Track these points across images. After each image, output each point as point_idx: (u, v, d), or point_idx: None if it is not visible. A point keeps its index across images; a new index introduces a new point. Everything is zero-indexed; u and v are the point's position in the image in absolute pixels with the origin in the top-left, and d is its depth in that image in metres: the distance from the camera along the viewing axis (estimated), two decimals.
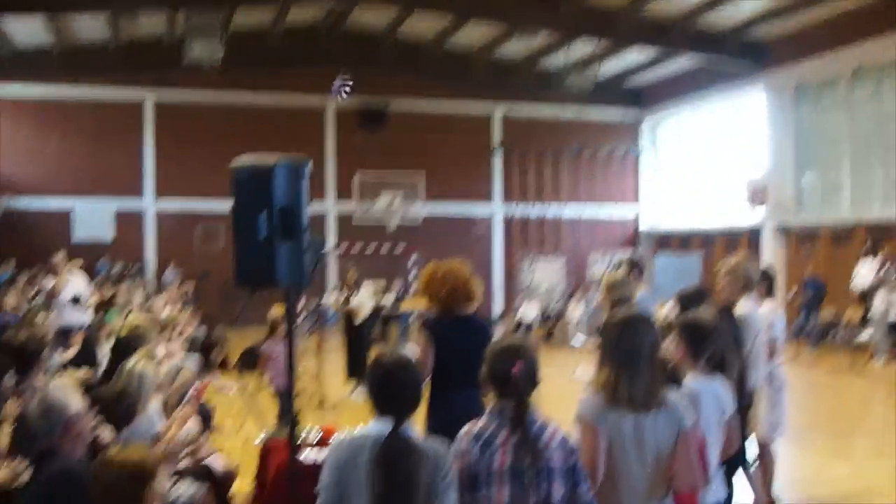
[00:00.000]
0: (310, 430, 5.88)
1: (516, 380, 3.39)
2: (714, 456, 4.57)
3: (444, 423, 5.52)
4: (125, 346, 7.97)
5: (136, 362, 6.11)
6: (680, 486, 3.89)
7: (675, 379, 4.19)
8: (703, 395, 4.48)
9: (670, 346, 4.66)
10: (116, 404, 5.08)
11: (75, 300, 11.15)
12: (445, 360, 5.49)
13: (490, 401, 3.55)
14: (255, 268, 4.77)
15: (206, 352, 14.45)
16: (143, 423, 5.47)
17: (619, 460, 3.69)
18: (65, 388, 4.88)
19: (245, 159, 4.91)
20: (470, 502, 3.32)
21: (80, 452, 4.33)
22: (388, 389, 3.38)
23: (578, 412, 3.72)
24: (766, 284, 7.45)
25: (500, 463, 3.33)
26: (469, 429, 3.44)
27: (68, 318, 10.98)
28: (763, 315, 6.82)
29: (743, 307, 6.52)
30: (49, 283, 11.15)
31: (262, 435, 6.29)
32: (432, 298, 5.72)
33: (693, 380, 4.56)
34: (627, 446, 3.69)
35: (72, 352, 10.10)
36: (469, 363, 5.44)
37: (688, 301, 6.10)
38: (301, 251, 4.77)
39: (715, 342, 4.62)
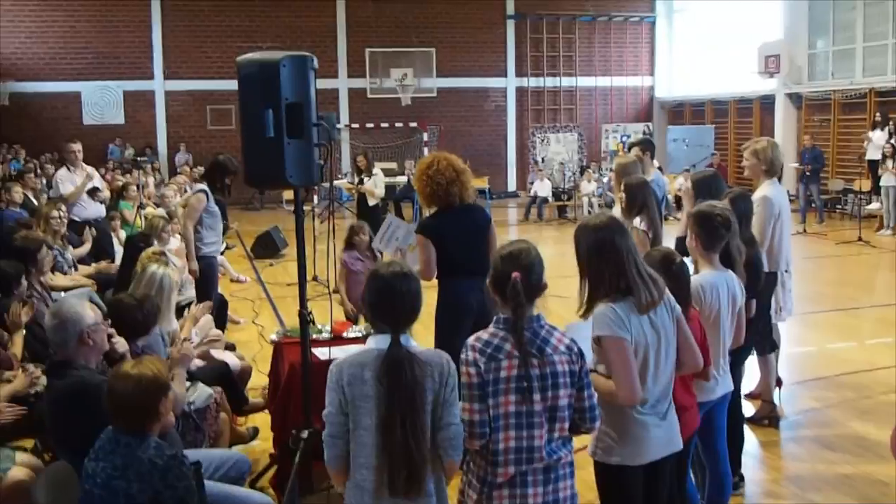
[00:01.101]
0: (322, 327, 5.93)
1: (513, 288, 3.37)
2: (726, 347, 4.62)
3: (449, 309, 5.65)
4: (138, 242, 8.03)
5: (156, 266, 6.12)
6: (684, 368, 3.96)
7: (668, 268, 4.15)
8: (716, 285, 4.52)
9: (687, 236, 4.70)
10: (136, 311, 5.11)
11: (93, 190, 11.05)
12: (448, 252, 5.60)
13: (497, 303, 3.55)
14: (264, 166, 4.74)
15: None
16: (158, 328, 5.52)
17: (647, 362, 3.71)
18: (79, 299, 4.94)
19: (250, 55, 4.83)
20: (479, 411, 3.35)
21: (95, 362, 4.39)
22: (387, 300, 3.36)
23: (600, 331, 3.64)
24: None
25: (507, 372, 3.34)
26: (476, 339, 3.45)
27: (85, 212, 10.91)
28: (786, 198, 6.77)
29: (766, 189, 6.48)
30: (66, 176, 10.96)
31: (276, 332, 6.34)
32: (428, 196, 5.74)
33: (706, 270, 4.58)
34: (651, 346, 3.71)
35: (87, 246, 10.14)
36: (471, 252, 5.54)
37: (703, 186, 6.04)
38: (310, 148, 4.73)
39: (727, 233, 4.62)
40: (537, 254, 3.52)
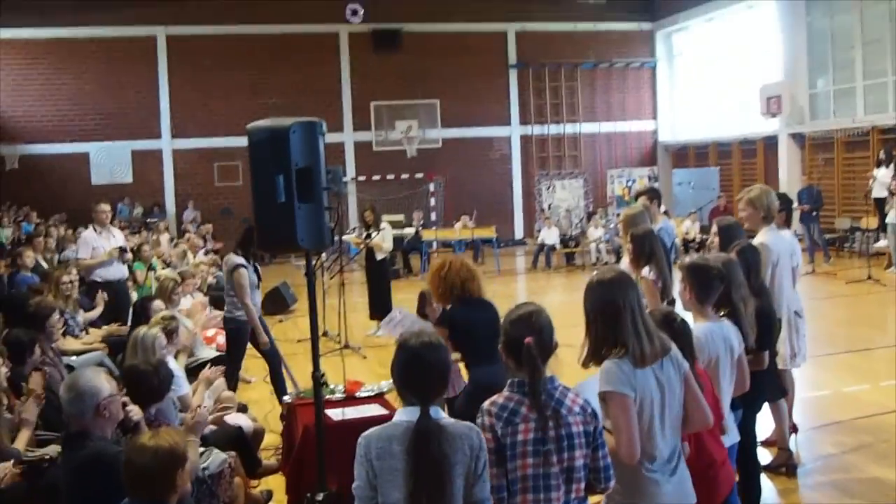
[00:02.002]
0: (335, 387, 5.94)
1: (528, 352, 3.38)
2: (727, 396, 4.64)
3: (472, 400, 5.66)
4: (146, 306, 8.07)
5: (145, 328, 6.18)
6: (692, 426, 3.97)
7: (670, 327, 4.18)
8: (711, 337, 4.56)
9: (679, 289, 4.76)
10: (152, 378, 5.13)
11: (121, 251, 11.07)
12: (471, 340, 5.65)
13: (509, 368, 3.56)
14: (275, 231, 4.79)
15: None
16: (171, 393, 5.53)
17: (652, 418, 3.71)
18: (93, 367, 4.96)
19: (260, 122, 4.90)
20: (496, 476, 3.35)
21: (110, 432, 4.40)
22: (415, 372, 3.36)
23: (605, 387, 3.66)
24: (784, 211, 7.39)
25: (523, 435, 3.35)
26: (491, 403, 3.45)
27: (107, 272, 10.94)
28: (784, 242, 6.81)
29: (763, 236, 6.55)
30: (91, 237, 10.99)
31: (289, 395, 6.35)
32: (442, 295, 5.81)
33: (701, 322, 4.60)
34: (656, 403, 3.72)
35: (98, 310, 10.16)
36: (491, 340, 5.57)
37: (728, 231, 6.19)
38: (321, 211, 4.77)
39: (721, 284, 4.67)
40: (546, 314, 3.55)
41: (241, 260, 8.29)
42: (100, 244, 10.84)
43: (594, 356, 3.76)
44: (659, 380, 3.72)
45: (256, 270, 8.41)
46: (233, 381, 8.09)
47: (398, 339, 3.54)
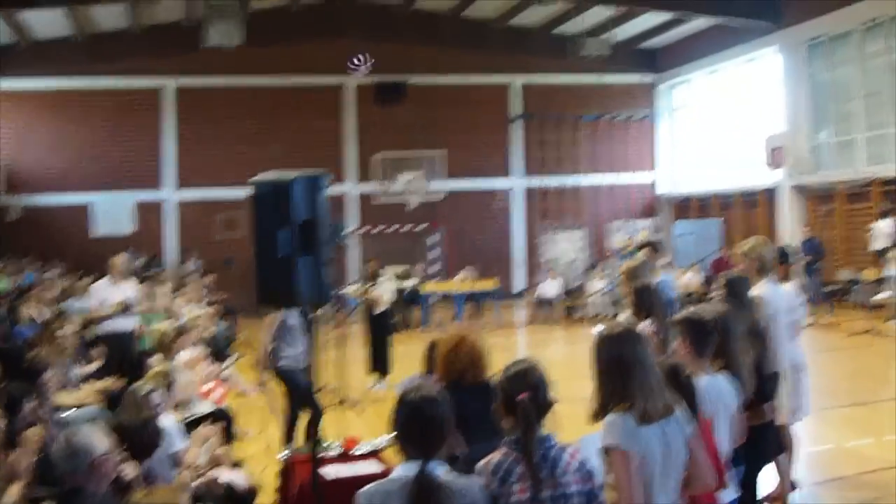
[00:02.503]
0: (331, 444, 5.88)
1: (523, 409, 3.35)
2: (725, 451, 4.59)
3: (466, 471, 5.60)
4: (143, 360, 8.04)
5: (141, 384, 6.15)
6: (695, 487, 3.92)
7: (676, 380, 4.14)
8: (707, 391, 4.50)
9: (675, 344, 4.70)
10: (141, 433, 5.09)
11: (126, 307, 11.05)
12: (464, 425, 5.51)
13: (505, 426, 3.53)
14: (275, 285, 4.78)
15: (229, 347, 14.41)
16: (164, 449, 5.48)
17: (653, 476, 3.66)
18: (89, 422, 4.91)
19: (263, 176, 4.90)
20: None
21: (104, 489, 4.34)
22: (415, 426, 3.33)
23: (608, 442, 3.62)
24: (784, 264, 7.39)
25: (519, 495, 3.31)
26: (486, 462, 3.42)
27: (112, 325, 10.93)
28: (784, 296, 6.78)
29: (760, 289, 6.51)
30: (104, 288, 11.01)
31: (286, 451, 6.29)
32: (444, 375, 5.76)
33: (698, 377, 4.56)
34: (658, 459, 3.67)
35: (95, 364, 10.10)
36: (480, 426, 5.53)
37: (733, 284, 6.14)
38: (322, 265, 4.76)
39: (717, 338, 4.64)
40: (542, 371, 3.53)
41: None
42: (110, 295, 10.82)
43: (602, 411, 3.72)
44: (663, 437, 3.68)
45: (305, 315, 8.12)
46: (292, 433, 8.03)
47: (399, 393, 3.51)
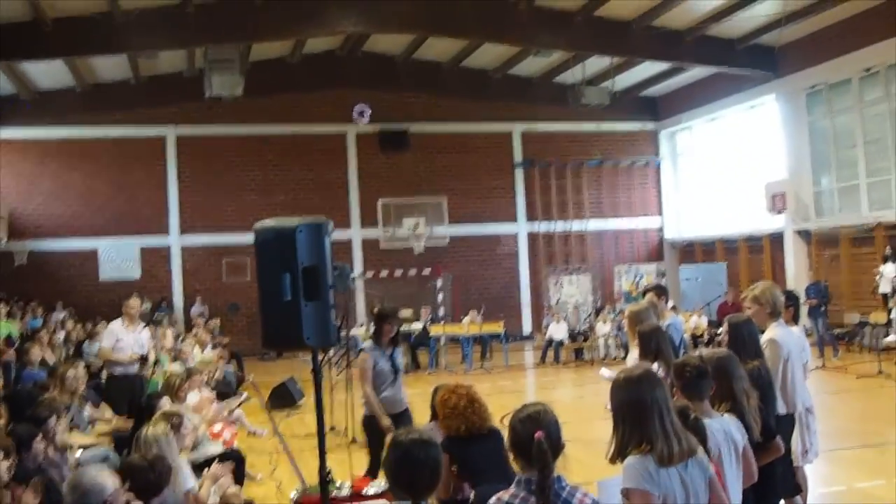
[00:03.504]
0: (341, 485, 5.89)
1: (539, 447, 3.38)
2: (736, 492, 4.58)
3: None
4: (152, 403, 8.05)
5: (152, 427, 6.17)
6: None
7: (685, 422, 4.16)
8: (714, 433, 4.50)
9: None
10: (148, 472, 5.11)
11: (143, 359, 11.19)
12: (466, 469, 5.54)
13: (517, 467, 3.56)
14: (281, 329, 4.80)
15: (237, 390, 14.43)
16: (175, 487, 5.50)
17: None
18: (97, 464, 4.94)
19: (267, 222, 4.94)
20: None
21: None
22: (407, 469, 3.36)
23: (628, 484, 3.63)
24: (792, 307, 7.40)
25: None
26: (497, 499, 3.44)
27: (124, 367, 11.05)
28: (794, 338, 6.80)
29: (772, 332, 6.53)
30: (118, 329, 11.14)
31: (296, 492, 6.30)
32: (447, 426, 5.77)
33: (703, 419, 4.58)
34: (679, 501, 3.68)
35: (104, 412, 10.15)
36: (488, 468, 5.54)
37: (738, 328, 6.06)
38: (327, 310, 4.79)
39: (710, 381, 4.65)
40: (553, 414, 3.56)
41: (367, 345, 8.13)
42: (125, 337, 10.98)
43: (620, 453, 3.74)
44: (683, 480, 3.69)
45: (393, 360, 7.97)
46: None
47: (391, 437, 3.55)
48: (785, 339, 6.55)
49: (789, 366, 6.52)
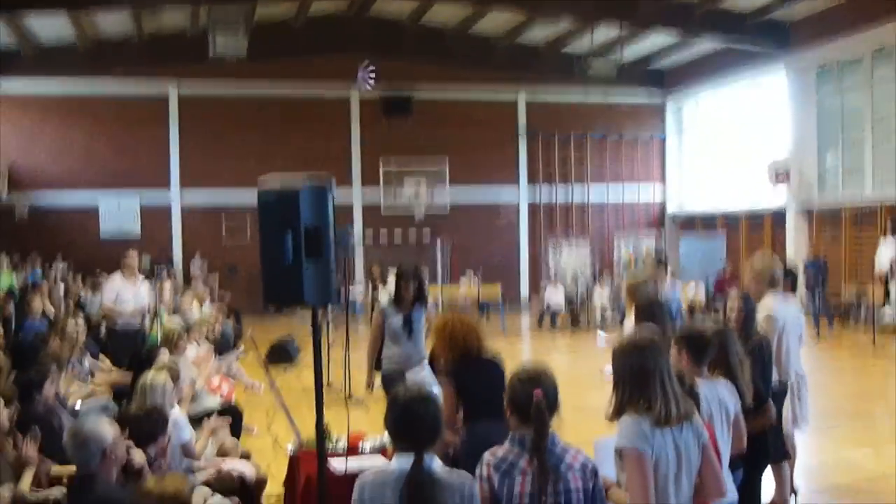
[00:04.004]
0: (338, 439, 5.98)
1: (537, 406, 3.45)
2: (724, 457, 4.68)
3: (469, 453, 5.68)
4: (151, 356, 8.14)
5: (153, 376, 6.26)
6: (707, 495, 3.97)
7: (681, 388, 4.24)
8: (707, 397, 4.59)
9: (674, 357, 4.75)
10: (143, 421, 5.19)
11: (142, 313, 11.32)
12: (471, 396, 5.65)
13: (512, 424, 3.63)
14: (282, 287, 4.84)
15: (235, 345, 14.50)
16: (172, 437, 5.59)
17: (666, 479, 3.73)
18: (96, 413, 5.02)
19: (271, 182, 4.97)
20: None
21: (114, 476, 4.45)
22: (407, 424, 3.45)
23: (622, 443, 3.70)
24: (790, 280, 7.47)
25: (520, 488, 3.41)
26: (491, 454, 3.52)
27: (128, 322, 11.17)
28: (790, 309, 6.88)
29: (769, 303, 6.61)
30: (118, 283, 11.23)
31: (292, 445, 6.40)
32: (448, 348, 5.85)
33: (698, 384, 4.66)
34: (672, 464, 3.74)
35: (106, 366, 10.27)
36: (492, 397, 5.62)
37: (749, 302, 6.23)
38: (328, 270, 4.83)
39: (715, 350, 4.75)
40: (552, 375, 3.63)
41: (384, 302, 8.16)
42: (125, 290, 11.05)
43: (618, 412, 3.80)
44: (677, 444, 3.75)
45: (409, 318, 7.87)
46: None
47: (390, 394, 3.63)
48: (781, 310, 6.65)
49: (784, 337, 6.65)
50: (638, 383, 3.76)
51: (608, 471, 3.88)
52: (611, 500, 3.74)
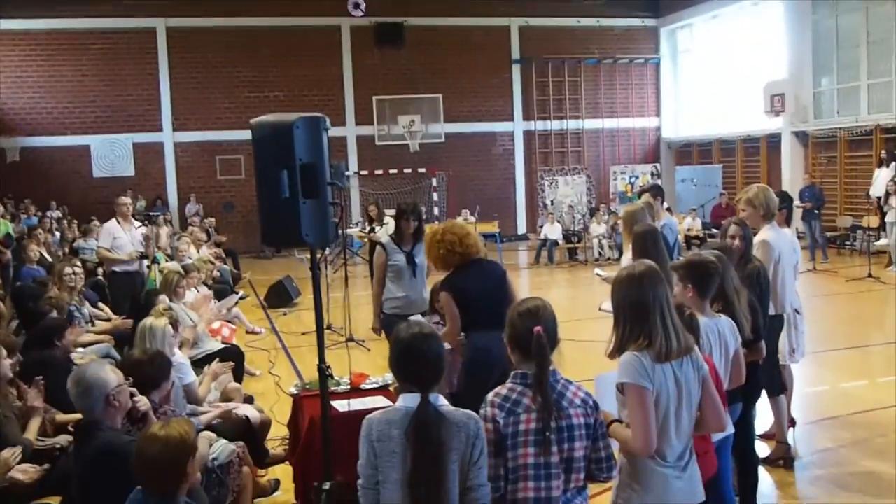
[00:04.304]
0: (340, 380, 6.02)
1: (538, 342, 3.47)
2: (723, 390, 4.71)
3: (477, 364, 5.72)
4: (151, 300, 8.16)
5: (152, 321, 6.29)
6: (707, 428, 4.03)
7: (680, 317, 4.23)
8: (707, 331, 4.58)
9: (677, 289, 4.72)
10: (146, 367, 5.21)
11: (142, 256, 11.31)
12: (472, 306, 5.70)
13: (513, 361, 3.65)
14: (279, 226, 4.81)
15: (234, 289, 14.55)
16: (175, 382, 5.63)
17: (667, 414, 3.76)
18: (98, 359, 5.03)
19: (264, 118, 4.93)
20: (493, 466, 3.45)
21: (120, 422, 4.48)
22: (411, 363, 3.47)
23: (623, 379, 3.71)
24: (785, 209, 7.43)
25: (525, 425, 3.44)
26: (495, 394, 3.54)
27: (126, 265, 11.21)
28: (786, 240, 6.87)
29: (765, 234, 6.60)
30: (114, 228, 11.21)
31: (294, 387, 6.45)
32: (443, 258, 5.85)
33: (699, 318, 4.66)
34: (672, 398, 3.76)
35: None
36: (493, 304, 5.64)
37: (748, 229, 6.20)
38: (325, 207, 4.81)
39: (719, 278, 4.72)
40: (552, 310, 3.64)
41: (385, 239, 8.03)
42: (120, 235, 11.06)
43: (620, 349, 3.81)
44: (677, 378, 3.76)
45: (412, 256, 7.72)
46: None
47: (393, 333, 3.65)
48: (777, 241, 6.63)
49: (780, 267, 6.62)
50: (637, 317, 3.76)
51: (609, 406, 3.90)
52: (612, 435, 3.76)
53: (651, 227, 6.89)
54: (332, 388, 5.72)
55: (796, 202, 19.05)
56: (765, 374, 5.88)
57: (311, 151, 4.72)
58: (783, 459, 6.75)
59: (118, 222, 11.26)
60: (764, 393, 6.23)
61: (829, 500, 6.15)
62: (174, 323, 6.72)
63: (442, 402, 3.45)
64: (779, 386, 6.69)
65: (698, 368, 3.86)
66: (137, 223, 11.73)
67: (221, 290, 13.22)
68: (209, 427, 5.86)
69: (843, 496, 6.18)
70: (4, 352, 5.69)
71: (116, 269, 11.10)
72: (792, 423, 7.26)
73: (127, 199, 11.60)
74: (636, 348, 3.73)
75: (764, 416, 6.78)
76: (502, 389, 3.54)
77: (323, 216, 4.80)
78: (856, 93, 21.57)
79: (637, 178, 26.95)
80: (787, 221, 7.49)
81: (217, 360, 7.29)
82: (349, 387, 5.99)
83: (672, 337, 3.73)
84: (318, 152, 4.76)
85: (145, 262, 11.48)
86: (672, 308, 3.84)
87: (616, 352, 3.83)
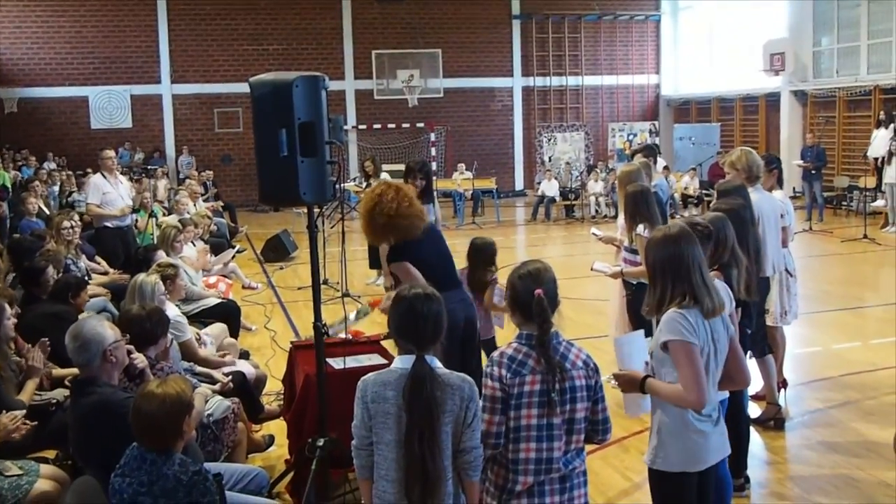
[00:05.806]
0: (336, 333, 6.03)
1: (539, 304, 3.51)
2: None
3: None
4: (148, 255, 8.18)
5: (143, 277, 6.33)
6: (733, 385, 4.19)
7: None
8: None
9: None
10: (144, 322, 5.24)
11: (133, 210, 11.34)
12: (427, 269, 5.38)
13: (514, 322, 3.70)
14: (277, 185, 4.84)
15: (231, 244, 14.55)
16: (172, 338, 5.67)
17: (708, 367, 3.84)
18: (95, 314, 5.06)
19: (263, 76, 4.93)
20: (496, 423, 3.50)
21: (116, 378, 4.52)
22: (410, 322, 3.50)
23: (670, 336, 3.76)
24: (776, 170, 7.41)
25: (530, 386, 3.49)
26: (500, 354, 3.59)
27: (115, 219, 11.21)
28: (773, 203, 6.86)
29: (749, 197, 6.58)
30: (101, 183, 11.20)
31: (290, 342, 6.49)
32: (384, 229, 5.60)
33: None
34: (710, 354, 3.84)
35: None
36: (445, 263, 5.63)
37: (725, 195, 6.11)
38: (323, 166, 4.82)
39: (709, 242, 4.69)
40: (552, 272, 3.68)
41: None
42: (109, 190, 11.04)
43: (658, 308, 3.88)
44: (712, 335, 3.84)
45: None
46: None
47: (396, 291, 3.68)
48: (760, 204, 6.57)
49: (762, 231, 6.58)
50: (678, 276, 3.83)
51: (634, 366, 4.03)
52: (652, 392, 3.85)
53: (643, 188, 6.90)
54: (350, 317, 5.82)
55: (798, 161, 19.09)
56: (751, 335, 5.92)
57: (310, 110, 4.74)
58: (773, 420, 6.82)
59: (104, 176, 11.21)
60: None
61: (818, 460, 6.23)
62: (170, 277, 6.76)
63: (437, 364, 3.50)
64: (763, 348, 6.72)
65: (726, 327, 3.96)
66: (123, 178, 11.71)
67: (218, 244, 13.23)
68: (206, 383, 5.90)
69: (833, 457, 6.25)
70: (9, 310, 5.69)
71: (108, 224, 11.08)
72: (783, 384, 7.32)
73: (111, 153, 11.54)
74: (679, 306, 3.80)
75: (754, 377, 6.84)
76: (507, 349, 3.59)
77: (321, 175, 4.82)
78: (855, 52, 21.47)
79: (635, 135, 26.90)
80: (780, 183, 7.48)
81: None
82: (370, 310, 6.06)
83: (714, 294, 3.82)
84: (317, 111, 4.78)
85: (135, 216, 11.49)
86: (706, 265, 3.93)
87: (655, 310, 3.90)
